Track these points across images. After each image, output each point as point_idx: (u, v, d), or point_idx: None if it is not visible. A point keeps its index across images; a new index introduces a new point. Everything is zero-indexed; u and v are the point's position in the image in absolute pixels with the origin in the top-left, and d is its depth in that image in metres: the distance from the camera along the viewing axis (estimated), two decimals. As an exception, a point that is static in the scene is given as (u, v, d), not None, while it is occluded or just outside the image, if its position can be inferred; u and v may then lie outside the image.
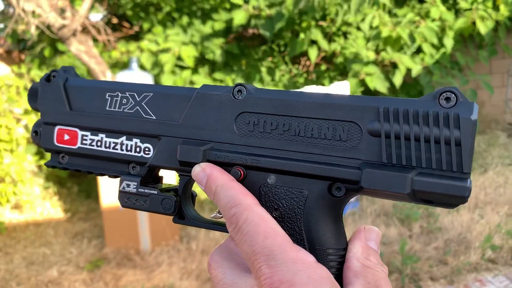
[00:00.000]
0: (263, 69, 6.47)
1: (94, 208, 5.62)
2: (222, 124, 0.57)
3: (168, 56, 5.59)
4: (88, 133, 0.66)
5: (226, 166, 0.56)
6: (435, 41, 5.59)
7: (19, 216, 5.55)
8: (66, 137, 0.67)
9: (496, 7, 6.03)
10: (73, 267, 3.99)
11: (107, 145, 0.65)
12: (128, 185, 0.63)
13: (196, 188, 0.65)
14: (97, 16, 7.33)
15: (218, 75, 6.16)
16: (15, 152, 5.55)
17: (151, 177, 0.64)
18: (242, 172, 0.55)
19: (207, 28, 6.16)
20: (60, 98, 0.67)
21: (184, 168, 0.59)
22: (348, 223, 4.45)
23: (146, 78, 4.57)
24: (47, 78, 0.69)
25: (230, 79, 6.06)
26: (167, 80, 5.60)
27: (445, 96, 0.47)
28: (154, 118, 0.62)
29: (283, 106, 0.54)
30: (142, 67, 5.65)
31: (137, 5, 6.95)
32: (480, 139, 6.91)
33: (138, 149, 0.63)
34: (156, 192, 0.61)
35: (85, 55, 4.87)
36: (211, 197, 0.54)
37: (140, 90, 0.63)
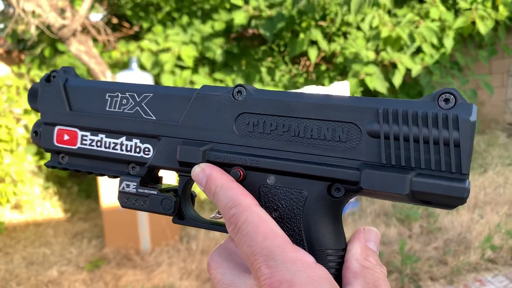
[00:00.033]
0: (263, 69, 6.47)
1: (94, 208, 5.62)
2: (221, 125, 0.57)
3: (168, 56, 5.59)
4: (88, 134, 0.66)
5: (226, 166, 0.56)
6: (435, 41, 5.59)
7: (19, 216, 5.55)
8: (66, 137, 0.67)
9: (495, 7, 6.03)
10: (73, 267, 3.99)
11: (107, 145, 0.65)
12: (127, 185, 0.63)
13: (195, 188, 0.65)
14: (97, 16, 7.33)
15: (218, 75, 6.16)
16: (15, 152, 5.55)
17: (150, 178, 0.64)
18: (241, 172, 0.55)
19: (207, 28, 6.16)
20: (60, 98, 0.67)
21: (184, 169, 0.59)
22: (348, 223, 4.45)
23: (146, 78, 4.57)
24: (47, 79, 0.69)
25: (230, 79, 6.06)
26: (167, 80, 5.60)
27: (444, 97, 0.47)
28: (154, 118, 0.62)
29: (283, 107, 0.54)
30: (142, 67, 5.65)
31: (137, 5, 6.95)
32: (480, 139, 6.91)
33: (138, 150, 0.63)
34: (155, 192, 0.61)
35: (85, 55, 4.87)
36: (210, 198, 0.54)
37: (140, 91, 0.63)
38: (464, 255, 3.56)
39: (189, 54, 5.70)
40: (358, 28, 6.32)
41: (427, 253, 3.66)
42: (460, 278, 3.33)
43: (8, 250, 4.46)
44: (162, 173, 0.66)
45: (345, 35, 6.51)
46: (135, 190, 0.62)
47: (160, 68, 5.66)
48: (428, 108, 0.48)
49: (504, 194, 4.81)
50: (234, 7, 6.40)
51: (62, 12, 4.94)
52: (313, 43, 6.21)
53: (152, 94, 0.62)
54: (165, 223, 4.19)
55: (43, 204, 5.81)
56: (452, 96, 0.47)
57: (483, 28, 5.71)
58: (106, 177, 0.68)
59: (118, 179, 0.65)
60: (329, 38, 6.42)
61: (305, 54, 6.68)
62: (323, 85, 6.16)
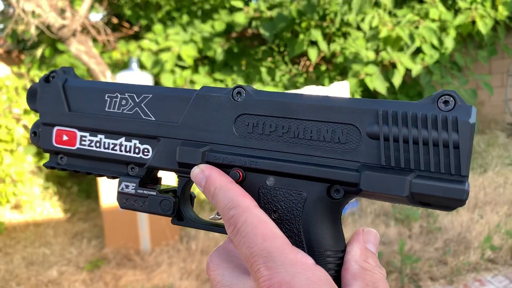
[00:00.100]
0: (263, 69, 6.47)
1: (94, 208, 5.61)
2: (221, 126, 0.57)
3: (169, 55, 5.59)
4: (87, 134, 0.66)
5: (225, 168, 0.56)
6: (435, 42, 5.59)
7: (19, 216, 5.55)
8: (65, 137, 0.67)
9: (495, 7, 6.03)
10: (73, 267, 3.99)
11: (106, 146, 0.65)
12: (127, 186, 0.63)
13: (195, 189, 0.65)
14: (97, 16, 7.33)
15: (218, 75, 6.16)
16: (15, 153, 5.55)
17: (150, 178, 0.64)
18: (241, 174, 0.55)
19: (207, 27, 6.16)
20: (59, 98, 0.67)
21: (183, 170, 0.59)
22: (348, 223, 4.45)
23: (146, 79, 4.57)
24: (46, 79, 0.68)
25: (230, 79, 6.06)
26: (167, 79, 5.60)
27: (444, 99, 0.47)
28: (153, 119, 0.62)
29: (282, 108, 0.54)
30: (142, 66, 5.65)
31: (136, 5, 6.95)
32: (480, 139, 6.91)
33: (137, 150, 0.63)
34: (155, 193, 0.61)
35: (85, 55, 4.87)
36: (209, 199, 0.54)
37: (139, 91, 0.63)
38: (464, 255, 3.56)
39: (189, 53, 5.70)
40: (358, 28, 6.32)
41: (427, 253, 3.66)
42: (460, 278, 3.33)
43: (8, 250, 4.46)
44: (161, 174, 0.66)
45: (345, 35, 6.51)
46: (134, 191, 0.62)
47: (160, 67, 5.66)
48: (428, 110, 0.48)
49: (504, 194, 4.81)
50: (235, 9, 6.41)
51: (62, 12, 4.94)
52: (313, 43, 6.21)
53: (151, 95, 0.62)
54: (165, 223, 4.19)
55: (43, 204, 5.81)
56: (452, 98, 0.47)
57: (483, 27, 5.70)
58: (105, 177, 0.68)
59: (117, 180, 0.65)
60: (329, 38, 6.42)
61: (305, 54, 6.68)
62: (323, 85, 6.16)
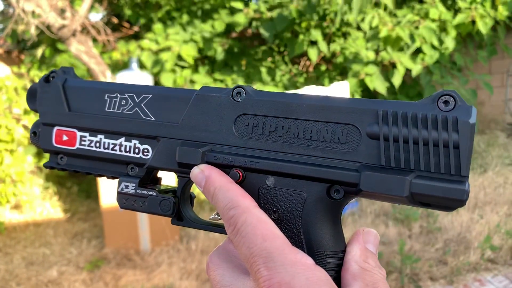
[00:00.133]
0: (263, 69, 6.48)
1: (94, 208, 5.61)
2: (221, 126, 0.57)
3: (169, 55, 5.59)
4: (87, 134, 0.66)
5: (225, 168, 0.56)
6: (435, 42, 5.59)
7: (19, 216, 5.55)
8: (65, 138, 0.67)
9: (494, 7, 6.03)
10: (73, 267, 3.98)
11: (106, 146, 0.65)
12: (126, 186, 0.63)
13: (195, 189, 0.65)
14: (97, 16, 7.33)
15: (218, 75, 6.16)
16: (15, 153, 5.55)
17: (149, 179, 0.64)
18: (240, 174, 0.55)
19: (207, 27, 6.16)
20: (59, 98, 0.67)
21: (183, 170, 0.59)
22: (348, 223, 4.45)
23: (146, 79, 4.57)
24: (46, 79, 0.68)
25: (230, 79, 6.06)
26: (167, 78, 5.59)
27: (444, 99, 0.47)
28: (153, 119, 0.61)
29: (282, 108, 0.54)
30: (142, 66, 5.65)
31: (136, 5, 6.95)
32: (480, 139, 6.91)
33: (137, 150, 0.63)
34: (154, 193, 0.61)
35: (85, 55, 4.87)
36: (209, 199, 0.54)
37: (139, 92, 0.63)
38: (464, 255, 3.56)
39: (189, 52, 5.70)
40: (358, 28, 6.32)
41: (427, 253, 3.66)
42: (460, 278, 3.33)
43: (8, 250, 4.46)
44: (161, 174, 0.66)
45: (345, 35, 6.51)
46: (134, 191, 0.62)
47: (161, 67, 5.66)
48: (428, 110, 0.47)
49: (503, 194, 4.81)
50: (235, 10, 6.41)
51: (62, 12, 4.94)
52: (313, 43, 6.21)
53: (151, 95, 0.62)
54: (165, 223, 4.19)
55: (43, 204, 5.81)
56: (452, 98, 0.47)
57: (483, 27, 5.70)
58: (105, 178, 0.68)
59: (117, 180, 0.65)
60: (329, 38, 6.43)
61: (305, 54, 6.69)
62: (323, 85, 6.16)
